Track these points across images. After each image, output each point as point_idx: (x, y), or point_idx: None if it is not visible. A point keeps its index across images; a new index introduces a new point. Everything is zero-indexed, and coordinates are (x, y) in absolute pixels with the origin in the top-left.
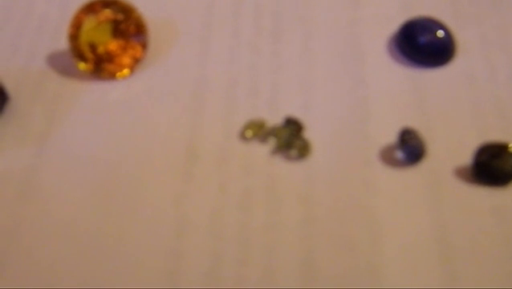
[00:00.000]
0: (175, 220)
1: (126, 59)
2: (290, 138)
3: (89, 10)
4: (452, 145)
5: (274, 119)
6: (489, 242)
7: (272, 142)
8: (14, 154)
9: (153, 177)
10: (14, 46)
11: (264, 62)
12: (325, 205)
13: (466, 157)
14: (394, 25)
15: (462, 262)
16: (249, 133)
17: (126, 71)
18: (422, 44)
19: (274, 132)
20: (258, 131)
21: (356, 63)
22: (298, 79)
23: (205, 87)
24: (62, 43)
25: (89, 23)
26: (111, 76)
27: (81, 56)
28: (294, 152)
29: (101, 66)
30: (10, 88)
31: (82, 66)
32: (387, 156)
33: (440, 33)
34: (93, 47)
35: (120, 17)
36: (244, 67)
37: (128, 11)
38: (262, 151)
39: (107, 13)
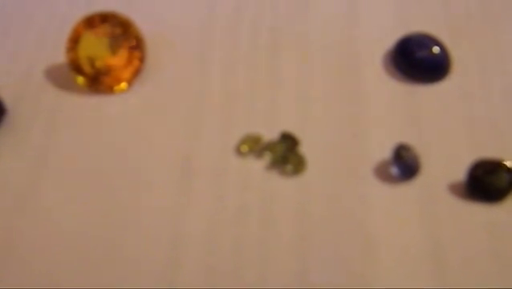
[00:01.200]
0: (170, 233)
1: (124, 73)
2: (286, 153)
3: (87, 24)
4: (446, 161)
5: (270, 134)
6: (483, 257)
7: (267, 157)
8: (11, 167)
9: (149, 191)
10: (13, 59)
11: (261, 77)
12: (319, 220)
13: (460, 173)
14: (390, 41)
15: (455, 278)
16: (244, 148)
17: (124, 84)
18: (418, 60)
19: (269, 147)
20: (253, 146)
21: (352, 79)
22: (295, 95)
23: (202, 102)
24: (61, 57)
25: (87, 37)
26: (109, 90)
27: (79, 70)
28: (289, 168)
29: (99, 80)
30: (7, 101)
31: (80, 80)
32: (381, 172)
33: (436, 49)
34: (91, 61)
35: (118, 31)
36: (241, 82)
37: (125, 26)
38: (257, 166)
39: (106, 27)
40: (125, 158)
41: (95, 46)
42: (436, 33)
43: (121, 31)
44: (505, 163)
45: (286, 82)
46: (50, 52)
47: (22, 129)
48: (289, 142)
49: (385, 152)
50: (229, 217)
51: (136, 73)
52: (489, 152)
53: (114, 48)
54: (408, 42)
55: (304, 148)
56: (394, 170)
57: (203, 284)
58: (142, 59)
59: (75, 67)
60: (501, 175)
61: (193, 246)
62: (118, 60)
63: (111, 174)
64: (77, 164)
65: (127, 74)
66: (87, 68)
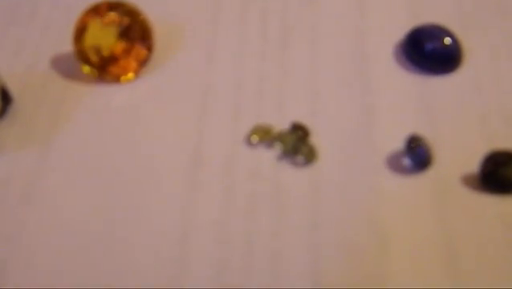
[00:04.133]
0: (181, 226)
1: (131, 63)
2: (297, 144)
3: (94, 12)
4: (459, 153)
5: (281, 124)
6: (497, 249)
7: (278, 147)
8: (17, 157)
9: (158, 183)
10: (19, 48)
11: (271, 68)
12: (331, 211)
13: (473, 165)
14: (401, 32)
15: (469, 270)
16: (255, 138)
17: (131, 74)
18: (429, 51)
19: (280, 137)
20: (264, 136)
21: (363, 70)
22: (305, 85)
23: (211, 92)
24: (67, 46)
25: (94, 26)
26: (116, 80)
27: (85, 59)
28: (300, 158)
29: (106, 69)
30: (13, 90)
31: (86, 69)
32: (394, 163)
33: (448, 40)
34: (98, 50)
35: (126, 20)
36: (250, 72)
37: (133, 14)
38: (268, 156)
39: (113, 16)
40: (133, 148)
41: (101, 35)
42: (448, 24)
43: (129, 20)
44: None
45: (295, 72)
46: (56, 41)
47: (27, 119)
48: (300, 132)
49: (397, 143)
50: (239, 208)
51: (144, 62)
52: (503, 144)
53: (121, 37)
54: (419, 33)
55: (315, 139)
56: (406, 161)
57: (214, 276)
58: (150, 49)
59: (82, 57)
60: None
61: (203, 237)
62: (125, 49)
63: (118, 164)
64: (83, 154)
65: (134, 63)
66: (93, 57)
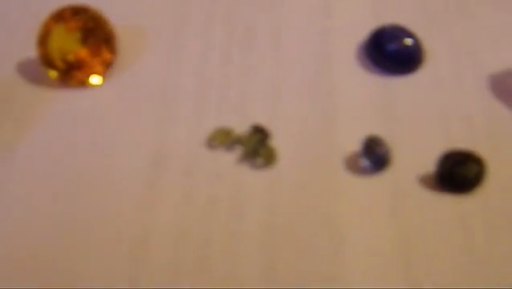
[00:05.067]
0: (138, 227)
1: (96, 67)
2: (257, 146)
3: (58, 17)
4: (417, 153)
5: (242, 127)
6: (452, 248)
7: (239, 150)
8: None
9: (119, 184)
10: None
11: (234, 71)
12: (289, 213)
13: (431, 165)
14: (364, 33)
15: (424, 269)
16: (215, 141)
17: (96, 78)
18: (390, 52)
19: (240, 140)
20: (224, 139)
21: (325, 72)
22: (267, 87)
23: (174, 95)
24: (32, 51)
25: (58, 31)
26: (81, 84)
27: (50, 64)
28: (260, 161)
29: (71, 73)
30: None
31: (51, 73)
32: (352, 164)
33: (408, 41)
34: (62, 55)
35: (90, 24)
36: (214, 75)
37: (97, 19)
38: (228, 159)
39: (77, 21)
40: (96, 152)
41: (66, 39)
42: (411, 24)
43: (93, 25)
44: (473, 153)
45: (258, 75)
46: (21, 47)
47: None
48: (260, 135)
49: (357, 145)
50: (198, 210)
51: (108, 66)
52: (462, 144)
53: (85, 42)
54: (381, 34)
55: (276, 141)
56: (364, 162)
57: (170, 277)
58: (114, 52)
59: (47, 62)
60: (471, 166)
61: (160, 238)
62: (89, 54)
63: (81, 168)
64: (48, 159)
65: (99, 67)
66: (58, 62)
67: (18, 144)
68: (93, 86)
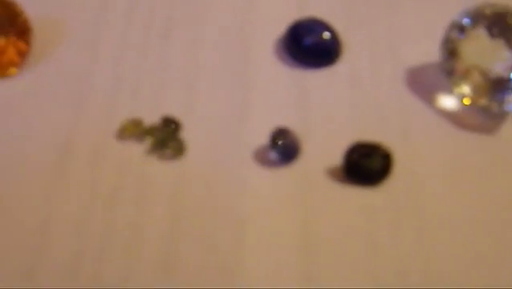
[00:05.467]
0: (40, 217)
1: (8, 57)
2: (166, 137)
3: None
4: (327, 146)
5: (154, 118)
6: (355, 240)
7: (148, 141)
8: None
9: (25, 174)
10: None
11: (150, 64)
12: (194, 205)
13: (339, 158)
14: (283, 26)
15: (326, 261)
16: (125, 132)
17: (9, 69)
18: (307, 45)
19: (150, 131)
20: (134, 130)
21: (242, 65)
22: (183, 80)
23: (88, 87)
24: None
25: None
26: None
27: None
28: (168, 152)
29: None
30: None
31: None
32: (261, 157)
33: (326, 34)
34: None
35: (2, 14)
36: (129, 68)
37: (10, 8)
38: (137, 150)
39: None
40: (5, 141)
41: None
42: (332, 17)
43: (5, 14)
44: (380, 146)
45: (175, 67)
46: None
47: None
48: (170, 126)
49: (267, 137)
50: (102, 201)
51: (23, 58)
52: (373, 137)
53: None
54: (299, 27)
55: (186, 134)
56: (272, 154)
57: (68, 268)
58: (28, 43)
59: None
60: (377, 158)
61: (61, 230)
62: (2, 44)
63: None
64: None
65: (13, 58)
66: None
67: None
68: (6, 77)
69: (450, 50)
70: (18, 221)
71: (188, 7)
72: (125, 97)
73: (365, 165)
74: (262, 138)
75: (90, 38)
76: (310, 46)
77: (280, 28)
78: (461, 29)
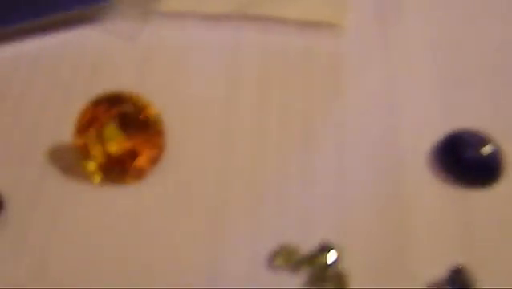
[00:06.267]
0: None
1: (139, 162)
2: (325, 268)
3: (100, 104)
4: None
5: (306, 243)
6: None
7: (305, 272)
8: (9, 270)
9: None
10: (10, 138)
11: (293, 170)
12: None
13: None
14: (435, 135)
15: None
16: (279, 261)
17: (140, 174)
18: (466, 161)
19: (307, 260)
20: (289, 258)
21: (394, 179)
22: (332, 196)
23: (226, 200)
24: (64, 136)
25: (101, 120)
26: (122, 180)
27: (88, 156)
28: (329, 286)
29: (110, 167)
30: (5, 191)
31: (89, 166)
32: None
33: (487, 149)
34: (103, 147)
35: (133, 113)
36: (270, 177)
37: (141, 107)
38: (292, 283)
39: (120, 109)
40: (137, 262)
41: (108, 129)
42: (486, 128)
43: (136, 113)
44: None
45: (321, 177)
46: (52, 132)
47: (20, 224)
48: (328, 255)
49: (435, 271)
50: None
51: (154, 161)
52: None
53: (129, 133)
54: (456, 139)
55: (344, 262)
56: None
57: None
58: (161, 147)
59: (84, 153)
60: None
61: None
62: (134, 147)
63: (117, 280)
64: (80, 267)
65: (143, 162)
66: (97, 154)
67: (49, 249)
68: (136, 183)
69: None
70: None
71: (327, 109)
72: (269, 216)
73: None
74: (429, 271)
75: (221, 140)
76: (469, 161)
77: (429, 137)
78: None
